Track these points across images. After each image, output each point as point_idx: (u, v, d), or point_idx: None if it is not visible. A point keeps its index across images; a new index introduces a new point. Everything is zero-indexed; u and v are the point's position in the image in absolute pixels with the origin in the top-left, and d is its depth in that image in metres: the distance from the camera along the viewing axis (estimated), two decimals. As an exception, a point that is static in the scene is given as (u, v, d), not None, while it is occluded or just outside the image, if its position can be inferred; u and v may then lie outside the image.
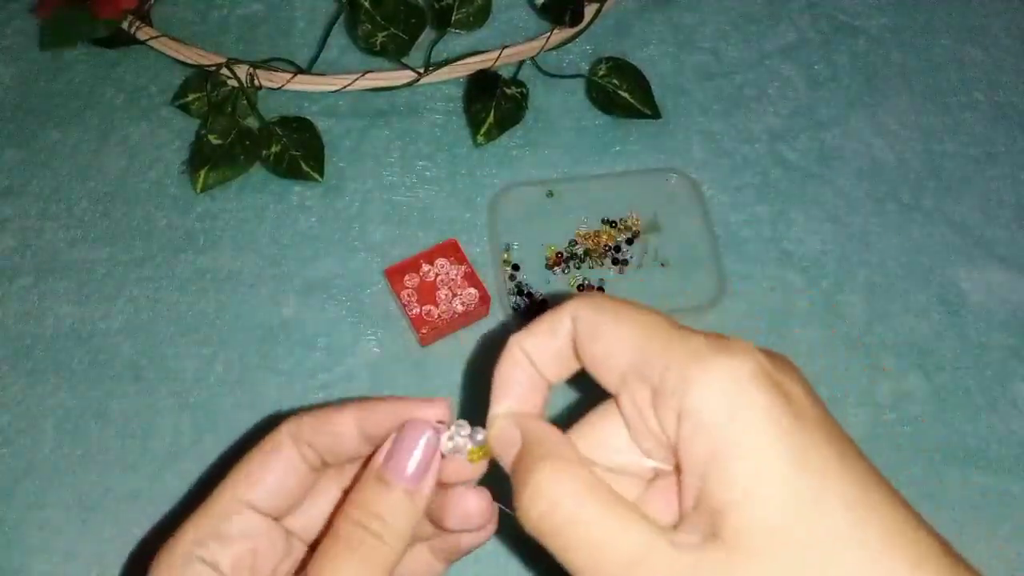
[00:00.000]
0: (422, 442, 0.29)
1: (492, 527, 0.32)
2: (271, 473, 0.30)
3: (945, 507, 0.47)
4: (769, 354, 0.26)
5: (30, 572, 0.44)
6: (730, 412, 0.24)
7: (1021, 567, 0.45)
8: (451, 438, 0.29)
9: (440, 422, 0.30)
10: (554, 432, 0.28)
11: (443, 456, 0.29)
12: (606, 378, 0.27)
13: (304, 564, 0.31)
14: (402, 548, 0.28)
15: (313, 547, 0.32)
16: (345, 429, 0.30)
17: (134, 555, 0.45)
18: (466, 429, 0.29)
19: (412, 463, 0.29)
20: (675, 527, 0.25)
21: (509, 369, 0.29)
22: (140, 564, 0.44)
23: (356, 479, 0.31)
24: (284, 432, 0.31)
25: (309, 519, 0.32)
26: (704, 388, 0.24)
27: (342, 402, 0.31)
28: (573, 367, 0.29)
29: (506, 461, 0.28)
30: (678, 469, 0.26)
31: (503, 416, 0.29)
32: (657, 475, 0.28)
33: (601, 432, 0.29)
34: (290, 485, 0.30)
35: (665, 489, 0.28)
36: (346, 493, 0.31)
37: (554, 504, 0.25)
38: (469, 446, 0.29)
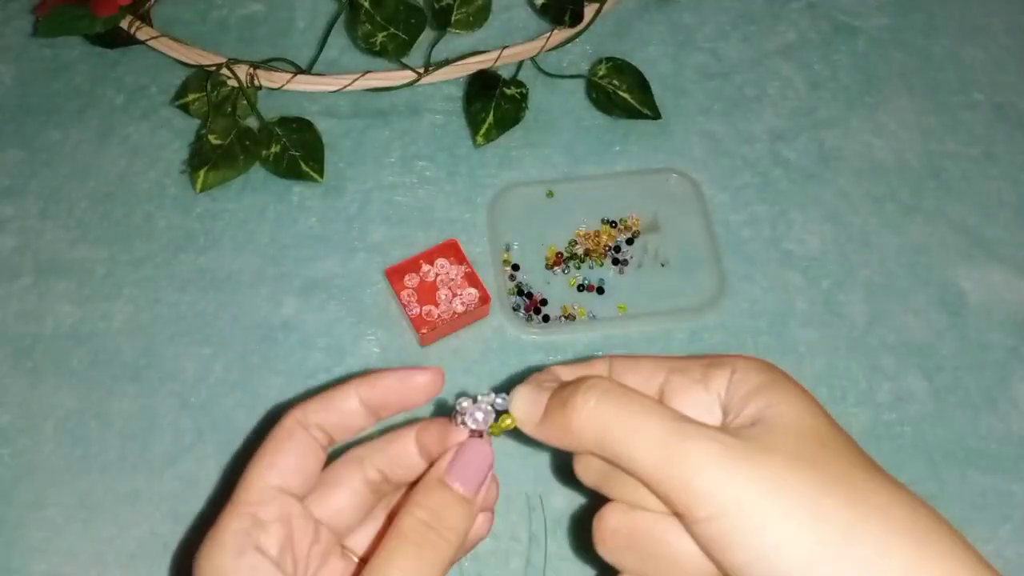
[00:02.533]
0: (481, 457, 0.32)
1: (492, 518, 0.34)
2: (291, 457, 0.32)
3: (945, 507, 0.46)
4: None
5: (30, 572, 0.44)
6: (767, 371, 0.31)
7: (1021, 567, 0.45)
8: (477, 411, 0.32)
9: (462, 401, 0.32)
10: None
11: (466, 426, 0.32)
12: (642, 384, 0.32)
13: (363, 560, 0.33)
14: (459, 546, 0.30)
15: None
16: (349, 407, 0.33)
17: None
18: (489, 399, 0.32)
19: (472, 474, 0.31)
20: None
21: (541, 375, 0.33)
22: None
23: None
24: (292, 419, 0.33)
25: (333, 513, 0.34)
26: (746, 362, 0.31)
27: (342, 380, 0.33)
28: None
29: (530, 417, 0.31)
30: None
31: (526, 382, 0.32)
32: None
33: None
34: (309, 466, 0.32)
35: None
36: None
37: (600, 403, 0.29)
38: (493, 416, 0.32)
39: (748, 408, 0.29)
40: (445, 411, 0.33)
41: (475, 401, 0.32)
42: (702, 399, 0.31)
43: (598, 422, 0.29)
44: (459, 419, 0.32)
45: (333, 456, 0.34)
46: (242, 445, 0.48)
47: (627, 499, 0.31)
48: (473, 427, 0.32)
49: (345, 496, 0.33)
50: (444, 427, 0.32)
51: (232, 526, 0.31)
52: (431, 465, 0.32)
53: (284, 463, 0.32)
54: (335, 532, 0.33)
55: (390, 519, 0.35)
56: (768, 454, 0.27)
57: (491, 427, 0.32)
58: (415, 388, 0.33)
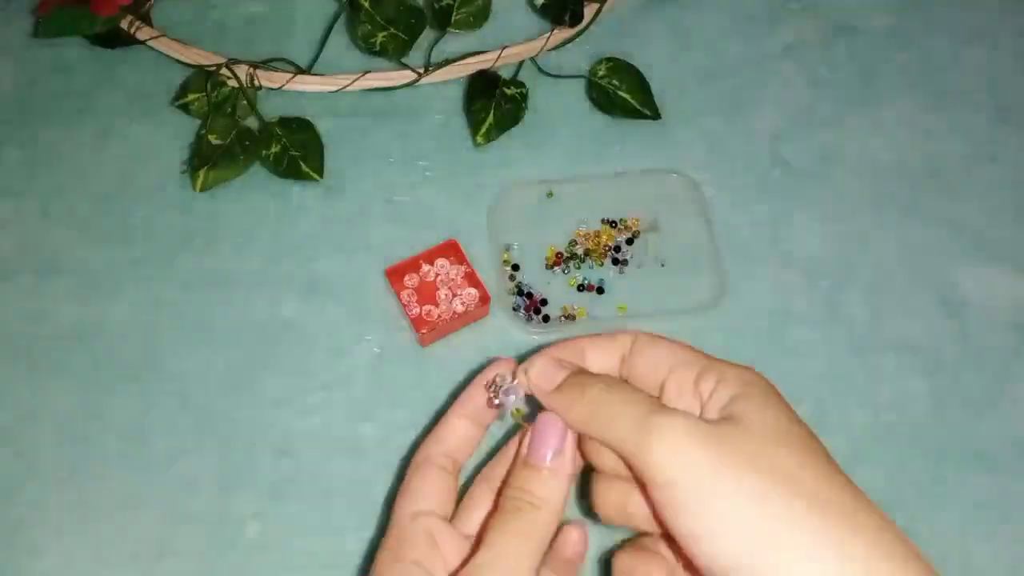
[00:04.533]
0: (547, 430, 0.35)
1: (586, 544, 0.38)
2: (426, 485, 0.36)
3: (945, 507, 0.47)
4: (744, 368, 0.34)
5: (30, 572, 0.44)
6: (752, 382, 0.33)
7: (1022, 568, 0.45)
8: (506, 393, 0.36)
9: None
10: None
11: (499, 406, 0.36)
12: (652, 372, 0.36)
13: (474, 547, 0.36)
14: (557, 515, 0.34)
15: None
16: (457, 431, 0.37)
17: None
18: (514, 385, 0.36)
19: (542, 447, 0.35)
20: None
21: (561, 348, 0.37)
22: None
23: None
24: (420, 455, 0.37)
25: None
26: (735, 369, 0.34)
27: (446, 417, 0.37)
28: (613, 370, 0.37)
29: (546, 386, 0.35)
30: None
31: (547, 355, 0.36)
32: None
33: None
34: (444, 491, 0.37)
35: None
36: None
37: (594, 390, 0.33)
38: (514, 398, 0.36)
39: (723, 409, 0.32)
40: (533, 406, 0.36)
41: (508, 384, 0.36)
42: (691, 403, 0.34)
43: (588, 413, 0.33)
44: (491, 391, 0.36)
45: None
46: (242, 445, 0.48)
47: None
48: (498, 403, 0.36)
49: (483, 513, 0.37)
50: (471, 400, 0.37)
51: (416, 555, 0.34)
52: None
53: (422, 493, 0.36)
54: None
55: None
56: (728, 441, 0.30)
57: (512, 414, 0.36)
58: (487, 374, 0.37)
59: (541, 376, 0.36)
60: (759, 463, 0.30)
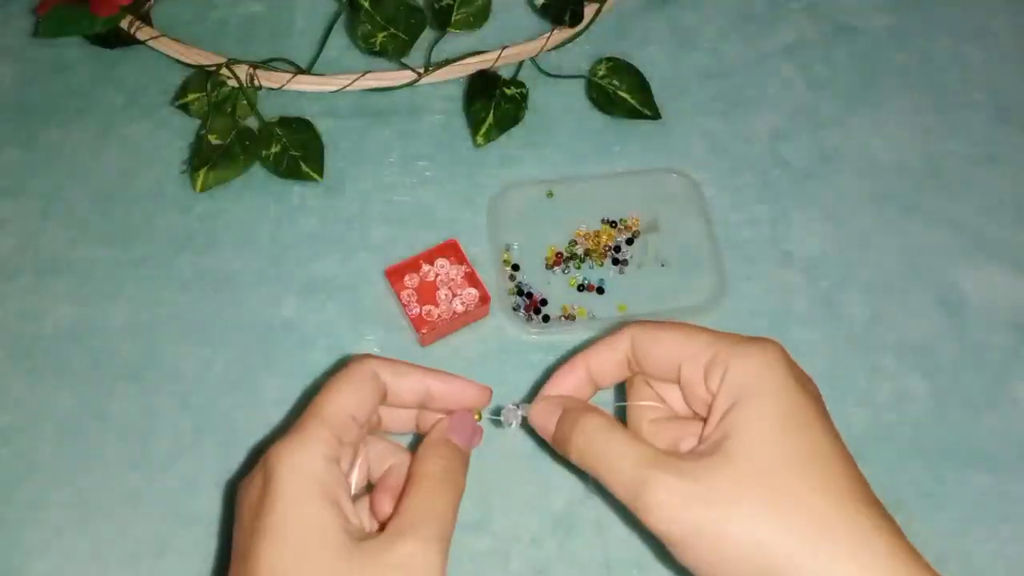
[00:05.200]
0: (469, 424, 0.40)
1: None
2: (366, 395, 0.38)
3: (945, 507, 0.47)
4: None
5: (30, 572, 0.44)
6: (755, 377, 0.35)
7: (1021, 567, 0.45)
8: (505, 419, 0.42)
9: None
10: (588, 404, 0.40)
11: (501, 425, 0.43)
12: (661, 370, 0.38)
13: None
14: (463, 480, 0.38)
15: None
16: (414, 386, 0.39)
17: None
18: (516, 411, 0.42)
19: (468, 435, 0.40)
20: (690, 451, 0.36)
21: (564, 375, 0.41)
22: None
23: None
24: (369, 367, 0.38)
25: None
26: (740, 360, 0.35)
27: (415, 366, 0.40)
28: (623, 376, 0.40)
29: (545, 430, 0.40)
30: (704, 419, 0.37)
31: (545, 398, 0.41)
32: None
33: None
34: (373, 406, 0.38)
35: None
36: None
37: (589, 437, 0.37)
38: (515, 422, 0.42)
39: (723, 424, 0.35)
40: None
41: (513, 408, 0.43)
42: (701, 396, 0.37)
43: (586, 457, 0.37)
44: (505, 420, 0.42)
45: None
46: (242, 445, 0.48)
47: None
48: (507, 426, 0.43)
49: (368, 396, 0.38)
50: (452, 394, 0.40)
51: (319, 435, 0.35)
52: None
53: (361, 399, 0.37)
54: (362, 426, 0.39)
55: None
56: (717, 487, 0.33)
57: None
58: (468, 399, 0.40)
59: (539, 421, 0.40)
60: (743, 505, 0.32)
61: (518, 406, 0.42)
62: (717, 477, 0.33)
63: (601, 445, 0.36)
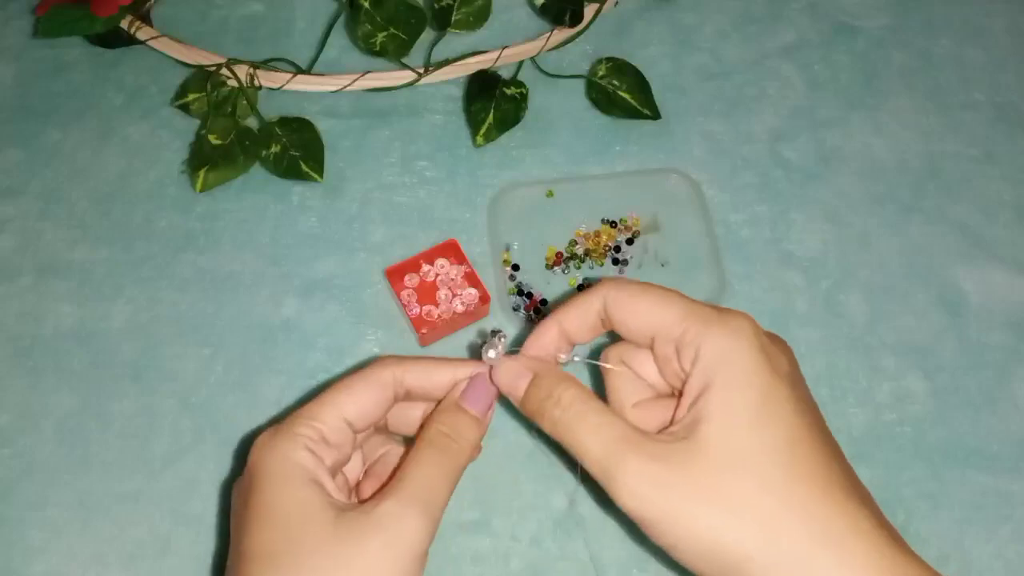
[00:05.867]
0: (487, 388, 0.39)
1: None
2: (371, 402, 0.38)
3: (945, 507, 0.47)
4: (766, 332, 0.36)
5: (30, 572, 0.44)
6: (726, 360, 0.34)
7: (1021, 567, 0.45)
8: (490, 350, 0.39)
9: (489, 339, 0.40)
10: (563, 373, 0.38)
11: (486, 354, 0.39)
12: (634, 338, 0.38)
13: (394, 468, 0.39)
14: (472, 453, 0.38)
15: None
16: (442, 384, 0.39)
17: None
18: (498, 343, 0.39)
19: (481, 401, 0.39)
20: (661, 430, 0.35)
21: (538, 335, 0.40)
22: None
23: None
24: (388, 371, 0.38)
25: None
26: (711, 340, 0.35)
27: (438, 359, 0.40)
28: (598, 333, 0.39)
29: (511, 391, 0.39)
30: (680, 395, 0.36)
31: (513, 358, 0.39)
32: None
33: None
34: (379, 414, 0.38)
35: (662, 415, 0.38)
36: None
37: (564, 409, 0.36)
38: (496, 351, 0.39)
39: (696, 407, 0.34)
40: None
41: (495, 339, 0.40)
42: (676, 371, 0.37)
43: (559, 429, 0.36)
44: (484, 349, 0.39)
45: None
46: (242, 445, 0.48)
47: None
48: (487, 358, 0.39)
49: (374, 403, 0.38)
50: (479, 387, 0.40)
51: (304, 431, 0.36)
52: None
53: (363, 405, 0.37)
54: (358, 430, 0.38)
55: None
56: (685, 473, 0.33)
57: None
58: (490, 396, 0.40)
59: (506, 383, 0.39)
60: (714, 495, 0.32)
61: (501, 338, 0.40)
62: (689, 464, 0.33)
63: (575, 419, 0.36)
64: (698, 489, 0.33)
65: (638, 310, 0.37)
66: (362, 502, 0.37)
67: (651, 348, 0.38)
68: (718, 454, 0.33)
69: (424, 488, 0.35)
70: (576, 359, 0.40)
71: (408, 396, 0.39)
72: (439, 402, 0.40)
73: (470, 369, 0.39)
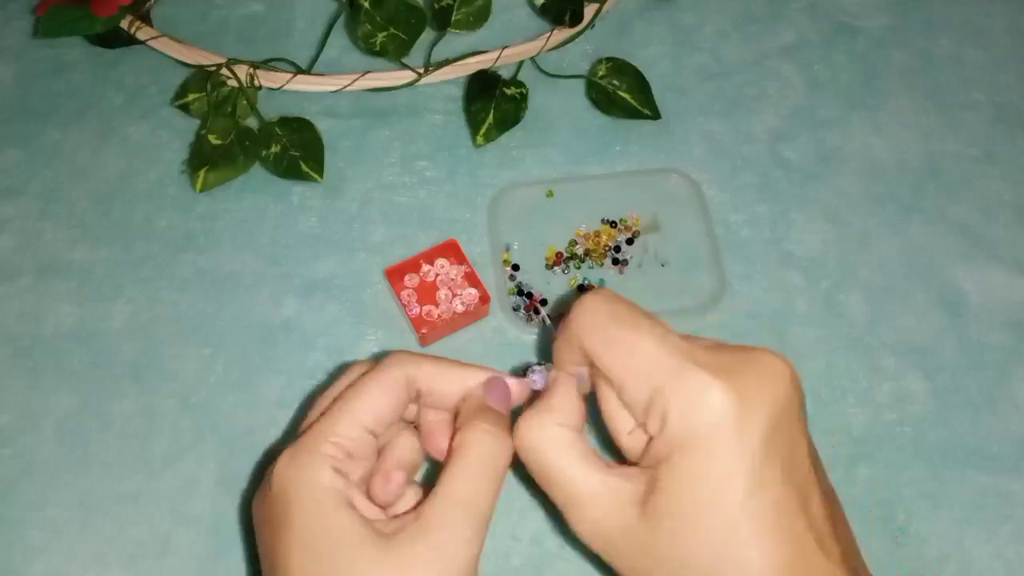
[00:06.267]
0: (507, 395, 0.38)
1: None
2: (388, 406, 0.36)
3: (945, 507, 0.47)
4: (744, 377, 0.32)
5: (30, 572, 0.44)
6: (689, 437, 0.31)
7: (1021, 567, 0.45)
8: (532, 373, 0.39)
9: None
10: (565, 392, 0.36)
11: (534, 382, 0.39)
12: (604, 374, 0.35)
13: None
14: (510, 445, 0.36)
15: None
16: (453, 392, 0.38)
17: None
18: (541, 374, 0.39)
19: (502, 400, 0.38)
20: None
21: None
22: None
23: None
24: (404, 372, 0.37)
25: None
26: (676, 415, 0.31)
27: (452, 361, 0.39)
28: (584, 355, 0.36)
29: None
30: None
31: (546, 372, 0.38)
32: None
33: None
34: (398, 414, 0.37)
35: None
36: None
37: (530, 447, 0.35)
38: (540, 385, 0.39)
39: (653, 471, 0.32)
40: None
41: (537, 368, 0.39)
42: (640, 420, 0.34)
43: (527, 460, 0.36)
44: (531, 377, 0.39)
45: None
46: (242, 445, 0.48)
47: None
48: (535, 387, 0.39)
49: (389, 406, 0.37)
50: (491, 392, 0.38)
51: (327, 450, 0.34)
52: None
53: (381, 410, 0.36)
54: (375, 434, 0.37)
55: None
56: (651, 537, 0.32)
57: None
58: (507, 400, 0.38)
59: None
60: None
61: (542, 366, 0.39)
62: (650, 528, 0.32)
63: (545, 455, 0.35)
64: (655, 548, 0.32)
65: (607, 354, 0.34)
66: (395, 517, 0.35)
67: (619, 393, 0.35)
68: (683, 515, 0.31)
69: (470, 498, 0.34)
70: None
71: (419, 399, 0.38)
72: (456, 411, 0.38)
73: (484, 375, 0.38)
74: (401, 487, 0.37)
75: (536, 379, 0.39)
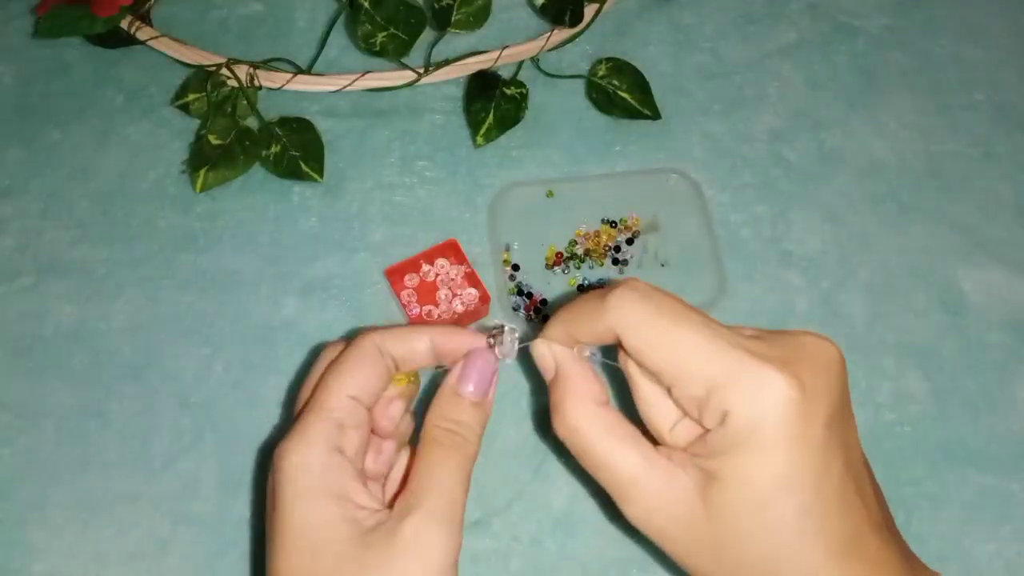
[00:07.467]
0: (486, 366, 0.38)
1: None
2: (367, 373, 0.37)
3: (945, 507, 0.47)
4: (810, 360, 0.32)
5: (30, 572, 0.45)
6: (751, 430, 0.31)
7: (1021, 567, 0.45)
8: (500, 344, 0.37)
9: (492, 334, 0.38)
10: (584, 377, 0.36)
11: (494, 346, 0.38)
12: (650, 370, 0.34)
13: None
14: (478, 442, 0.37)
15: None
16: (420, 346, 0.38)
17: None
18: (510, 336, 0.38)
19: (480, 382, 0.37)
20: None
21: (556, 329, 0.37)
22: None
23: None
24: (370, 341, 0.37)
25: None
26: (738, 411, 0.31)
27: (416, 325, 0.39)
28: (612, 341, 0.35)
29: (545, 375, 0.37)
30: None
31: (542, 342, 0.37)
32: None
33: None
34: (379, 384, 0.37)
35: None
36: None
37: (574, 431, 0.35)
38: (510, 355, 0.38)
39: (711, 462, 0.32)
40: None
41: (505, 332, 0.38)
42: (694, 416, 0.33)
43: (572, 444, 0.35)
44: (492, 340, 0.38)
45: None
46: (241, 445, 0.48)
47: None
48: (500, 353, 0.38)
49: (368, 374, 0.37)
50: (461, 341, 0.38)
51: (318, 427, 0.35)
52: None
53: (361, 377, 0.36)
54: (367, 405, 0.37)
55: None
56: (710, 525, 0.32)
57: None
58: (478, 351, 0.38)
59: (540, 363, 0.37)
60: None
61: (508, 331, 0.38)
62: (710, 519, 0.32)
63: (590, 439, 0.35)
64: (713, 543, 0.32)
65: (656, 351, 0.33)
66: (376, 511, 0.35)
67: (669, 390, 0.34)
68: (732, 527, 0.32)
69: (440, 496, 0.34)
70: (588, 354, 0.37)
71: (396, 366, 0.38)
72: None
73: (447, 333, 0.38)
74: (393, 420, 0.39)
75: (506, 351, 0.38)
